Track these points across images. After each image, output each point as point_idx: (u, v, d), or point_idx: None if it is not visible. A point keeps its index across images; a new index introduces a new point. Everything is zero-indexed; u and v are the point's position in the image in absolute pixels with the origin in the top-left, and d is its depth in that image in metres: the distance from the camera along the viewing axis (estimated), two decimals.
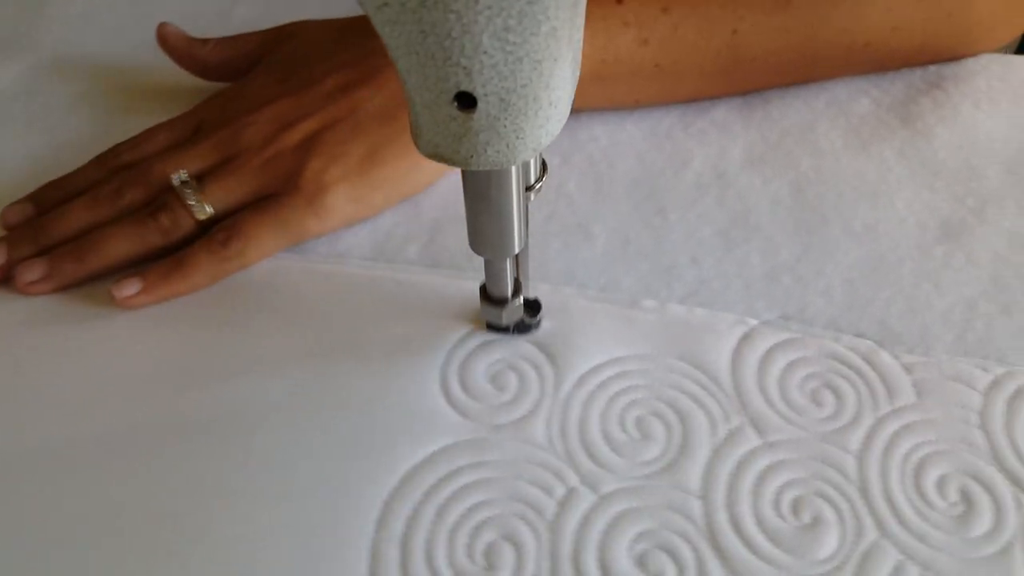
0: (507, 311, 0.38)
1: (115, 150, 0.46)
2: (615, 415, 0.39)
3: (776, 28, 0.49)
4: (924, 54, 0.54)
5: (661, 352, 0.41)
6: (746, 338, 0.41)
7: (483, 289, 0.38)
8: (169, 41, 0.50)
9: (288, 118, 0.43)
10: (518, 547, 0.35)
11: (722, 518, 0.36)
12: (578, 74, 0.27)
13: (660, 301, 0.44)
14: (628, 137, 0.50)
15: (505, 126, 0.25)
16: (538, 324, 0.41)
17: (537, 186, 0.34)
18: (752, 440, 0.38)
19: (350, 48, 0.47)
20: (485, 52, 0.22)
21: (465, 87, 0.23)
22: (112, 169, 0.45)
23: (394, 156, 0.43)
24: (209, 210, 0.42)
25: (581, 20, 0.25)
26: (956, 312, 0.43)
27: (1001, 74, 0.55)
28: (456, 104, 0.24)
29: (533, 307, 0.40)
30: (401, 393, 0.40)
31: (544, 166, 0.34)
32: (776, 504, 0.37)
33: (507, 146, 0.26)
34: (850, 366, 0.41)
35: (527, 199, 0.32)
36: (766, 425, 0.39)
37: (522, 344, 0.41)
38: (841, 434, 0.39)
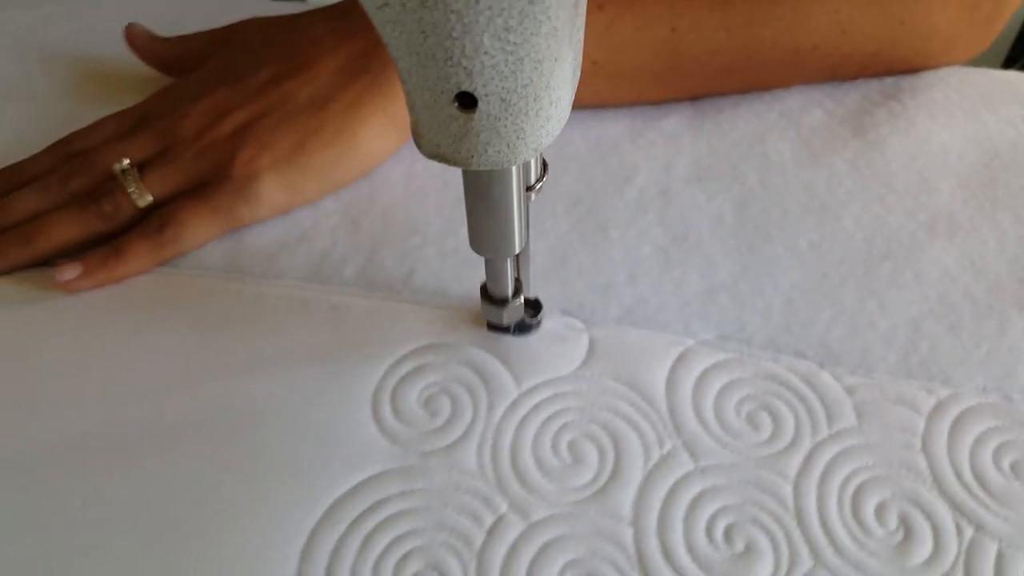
0: (508, 311, 0.38)
1: (66, 140, 0.47)
2: (548, 439, 0.38)
3: (716, 26, 0.48)
4: (880, 62, 0.53)
5: (596, 373, 0.40)
6: (682, 358, 0.41)
7: (484, 289, 0.38)
8: (133, 39, 0.53)
9: (222, 109, 0.45)
10: None
11: (653, 546, 0.35)
12: (579, 74, 0.27)
13: (596, 320, 0.42)
14: (574, 150, 0.50)
15: (506, 126, 0.25)
16: (539, 324, 0.40)
17: (538, 186, 0.34)
18: (686, 465, 0.37)
19: (284, 42, 0.49)
20: (486, 52, 0.22)
21: (466, 87, 0.23)
22: (62, 157, 0.46)
23: (323, 144, 0.45)
24: (148, 197, 0.44)
25: (582, 20, 0.25)
26: (900, 332, 0.42)
27: (958, 86, 0.54)
28: (457, 104, 0.24)
29: (534, 307, 0.40)
30: (331, 420, 0.39)
31: (545, 166, 0.34)
32: (709, 532, 0.36)
33: (508, 146, 0.26)
34: (789, 388, 0.40)
35: (528, 199, 0.32)
36: (700, 449, 0.38)
37: (458, 368, 0.40)
38: (778, 459, 0.38)
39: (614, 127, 0.51)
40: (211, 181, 0.44)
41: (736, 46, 0.49)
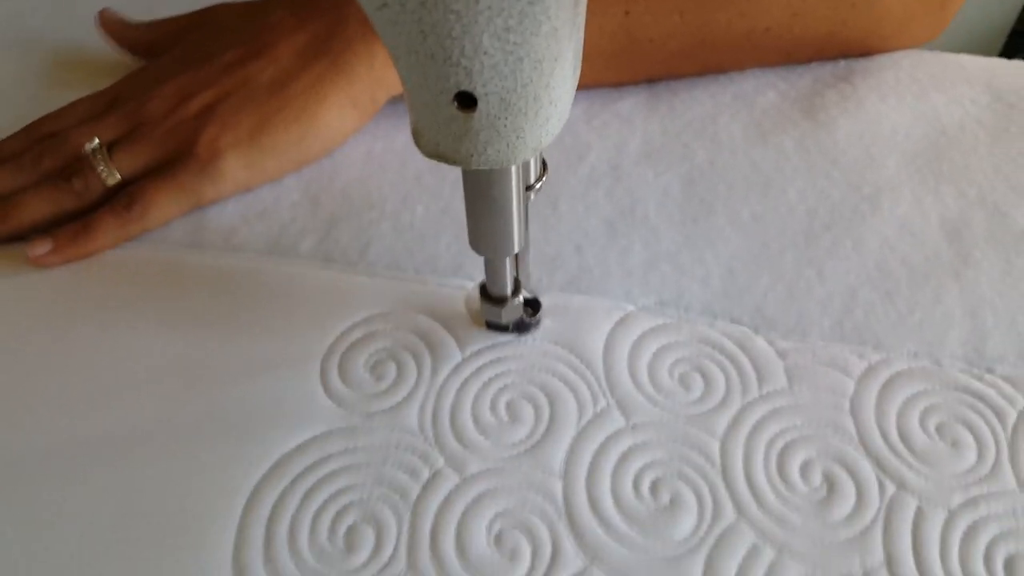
0: (507, 310, 0.38)
1: (39, 121, 0.49)
2: (487, 400, 0.40)
3: (669, 10, 0.49)
4: (832, 45, 0.55)
5: (539, 338, 0.42)
6: (621, 323, 0.42)
7: (483, 288, 0.38)
8: (106, 24, 0.55)
9: (187, 91, 0.47)
10: (379, 528, 0.36)
11: (581, 498, 0.37)
12: (578, 74, 0.27)
13: (542, 289, 0.44)
14: None
15: (505, 126, 0.25)
16: (538, 322, 0.41)
17: (537, 185, 0.34)
18: (617, 422, 0.39)
19: (248, 26, 0.51)
20: (485, 52, 0.22)
21: (465, 87, 0.24)
22: (35, 138, 0.48)
23: (283, 125, 0.46)
24: (117, 176, 0.46)
25: (582, 20, 0.25)
26: (836, 299, 0.43)
27: (911, 69, 0.56)
28: (456, 104, 0.24)
29: (533, 305, 0.41)
30: (281, 383, 0.40)
31: (544, 165, 0.35)
32: (636, 485, 0.37)
33: (507, 146, 0.26)
34: (722, 351, 0.41)
35: (527, 198, 0.32)
36: (633, 407, 0.39)
37: (406, 335, 0.42)
38: (707, 417, 0.39)
39: (572, 109, 0.52)
40: (176, 160, 0.45)
41: (690, 29, 0.50)
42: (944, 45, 0.57)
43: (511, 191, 0.30)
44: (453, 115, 0.25)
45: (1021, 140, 0.51)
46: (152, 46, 0.53)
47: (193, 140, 0.45)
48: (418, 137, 0.27)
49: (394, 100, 0.51)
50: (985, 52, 1.03)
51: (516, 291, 0.38)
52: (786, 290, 0.43)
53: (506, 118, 0.25)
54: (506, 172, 0.29)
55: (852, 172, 0.49)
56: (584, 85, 0.53)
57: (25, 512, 0.36)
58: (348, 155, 0.50)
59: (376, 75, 0.48)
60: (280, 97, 0.46)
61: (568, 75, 0.25)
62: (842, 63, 0.56)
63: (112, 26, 0.56)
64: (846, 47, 0.55)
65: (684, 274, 0.44)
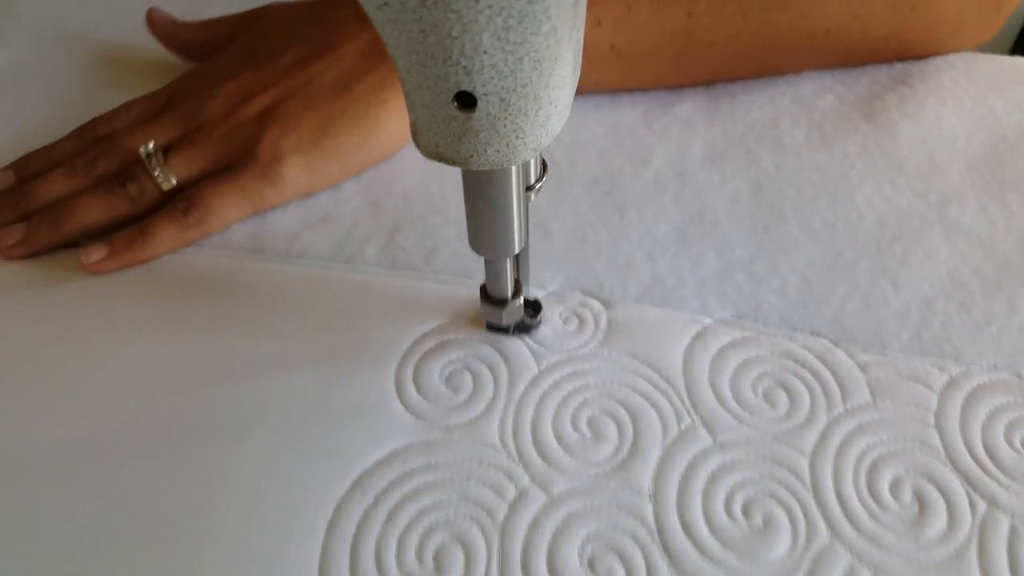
0: (507, 311, 0.38)
1: (92, 123, 0.48)
2: (568, 414, 0.39)
3: (732, 11, 0.49)
4: (890, 48, 0.54)
5: (615, 351, 0.41)
6: (699, 336, 0.41)
7: (483, 289, 0.38)
8: (155, 24, 0.54)
9: (247, 91, 0.46)
10: (467, 549, 0.35)
11: (672, 519, 0.36)
12: (578, 73, 0.27)
13: (615, 300, 0.43)
14: (590, 135, 0.50)
15: (505, 126, 0.25)
16: (539, 324, 0.40)
17: (537, 186, 0.34)
18: (704, 440, 0.38)
19: (309, 25, 0.50)
20: (485, 52, 0.22)
21: (465, 87, 0.23)
22: (89, 140, 0.47)
23: (346, 127, 0.45)
24: (173, 180, 0.45)
25: (582, 19, 0.25)
26: (912, 310, 0.42)
27: (967, 72, 0.55)
28: (456, 104, 0.24)
29: (534, 307, 0.40)
30: (356, 396, 0.40)
31: (544, 166, 0.34)
32: (727, 505, 0.36)
33: (507, 146, 0.26)
34: (804, 365, 0.40)
35: (527, 199, 0.32)
36: (718, 425, 0.39)
37: (478, 345, 0.41)
38: (794, 434, 0.38)
39: (630, 113, 0.52)
40: (236, 163, 0.44)
41: (751, 31, 0.50)
42: None
43: (511, 192, 0.30)
44: (453, 115, 0.24)
45: None
46: (203, 47, 0.52)
47: (254, 143, 0.44)
48: (417, 137, 0.27)
49: None
50: (996, 49, 1.03)
51: (516, 292, 0.38)
52: (863, 301, 0.43)
53: (506, 118, 0.24)
54: (506, 172, 0.29)
55: (917, 179, 0.48)
56: (643, 86, 0.52)
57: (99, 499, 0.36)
58: (407, 159, 0.49)
59: None
60: (343, 99, 0.45)
61: (568, 75, 0.25)
62: (898, 66, 0.55)
63: (161, 26, 0.55)
64: (902, 50, 0.54)
65: (760, 284, 0.43)
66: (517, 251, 0.33)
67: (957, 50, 0.56)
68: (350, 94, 0.44)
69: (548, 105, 0.25)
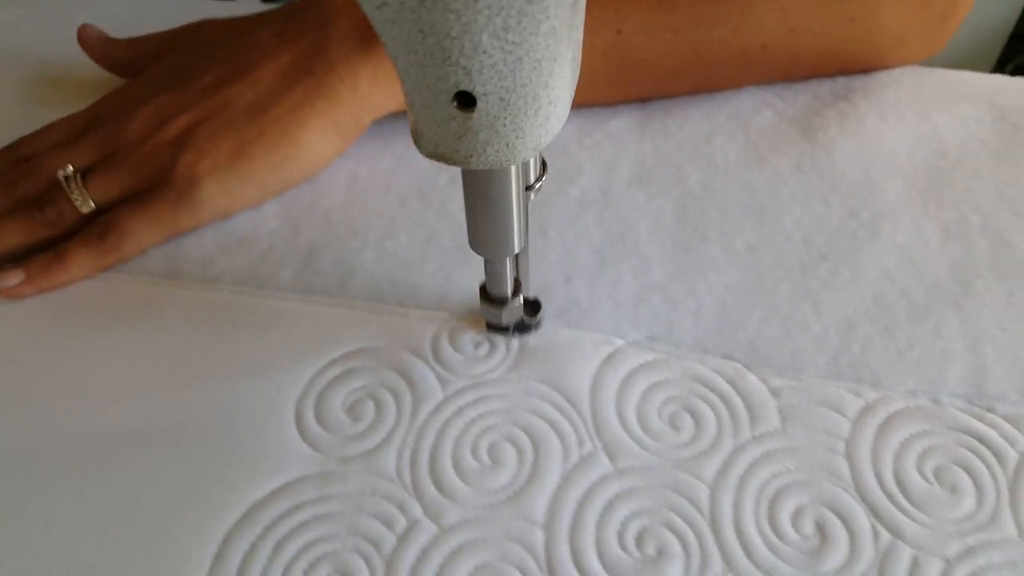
0: (507, 311, 0.38)
1: (16, 144, 0.47)
2: (468, 442, 0.38)
3: (662, 28, 0.48)
4: (831, 62, 0.53)
5: (524, 375, 0.40)
6: (609, 359, 0.41)
7: (483, 289, 0.38)
8: (86, 40, 0.53)
9: (165, 114, 0.45)
10: None
11: (563, 550, 0.35)
12: (578, 73, 0.27)
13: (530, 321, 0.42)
14: None
15: (505, 125, 0.25)
16: (538, 324, 0.40)
17: (537, 186, 0.33)
18: (604, 466, 0.37)
19: (229, 46, 0.49)
20: (484, 52, 0.22)
21: (465, 87, 0.23)
22: (9, 162, 0.46)
23: (263, 151, 0.45)
24: (92, 204, 0.44)
25: (581, 19, 0.25)
26: (832, 334, 0.41)
27: (912, 87, 0.54)
28: (456, 104, 0.24)
29: (533, 307, 0.40)
30: (256, 425, 0.39)
31: (544, 165, 0.34)
32: (621, 536, 0.36)
33: (507, 145, 0.26)
34: (714, 389, 0.40)
35: (527, 199, 0.32)
36: (620, 451, 0.38)
37: (384, 372, 0.41)
38: (697, 461, 0.38)
39: (564, 128, 0.51)
40: (153, 187, 0.44)
41: (684, 47, 0.49)
42: (943, 51, 0.56)
43: (511, 191, 0.30)
44: (452, 115, 0.25)
45: None
46: (133, 63, 0.52)
47: (170, 167, 0.44)
48: (417, 137, 0.27)
49: (378, 122, 0.49)
50: (985, 56, 1.01)
51: (516, 292, 0.37)
52: (781, 325, 0.42)
53: (505, 118, 0.25)
54: (506, 172, 0.29)
55: (850, 197, 0.47)
56: (577, 104, 0.51)
57: None
58: (331, 179, 0.49)
59: (360, 97, 0.46)
60: (260, 121, 0.45)
61: (567, 75, 0.25)
62: (841, 81, 0.54)
63: (92, 42, 0.55)
64: (844, 64, 0.53)
65: (675, 307, 0.42)
66: (517, 251, 0.33)
67: (904, 63, 0.55)
68: (267, 116, 0.44)
69: (547, 105, 0.25)
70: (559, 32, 0.23)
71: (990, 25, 1.22)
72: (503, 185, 0.30)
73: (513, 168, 0.29)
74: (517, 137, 0.25)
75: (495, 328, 0.40)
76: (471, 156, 0.26)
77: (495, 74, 0.23)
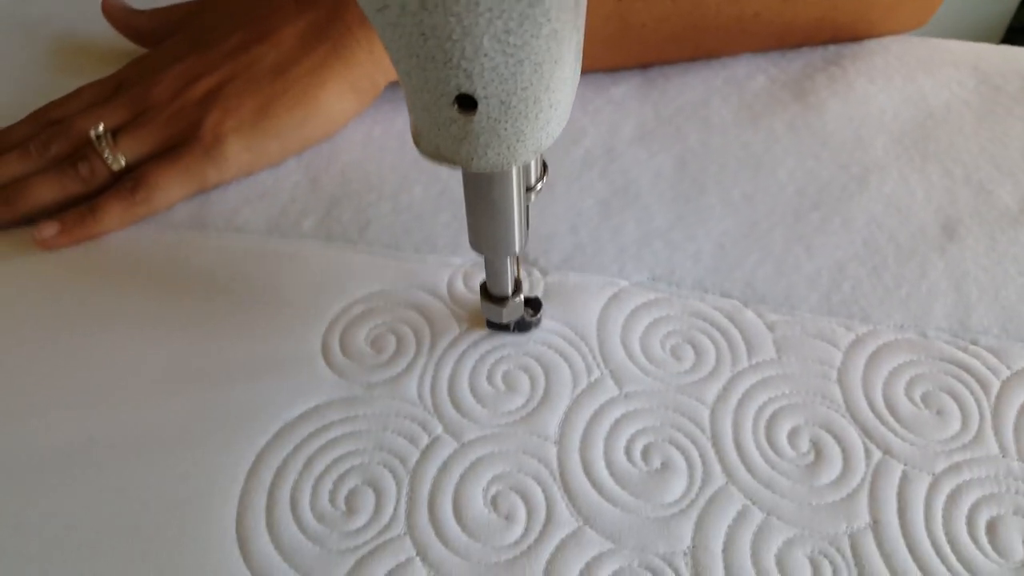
0: (507, 309, 0.39)
1: (46, 108, 0.50)
2: (484, 371, 0.41)
3: None
4: (823, 30, 0.56)
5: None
6: (614, 298, 0.43)
7: (483, 287, 0.38)
8: (110, 10, 0.56)
9: (191, 76, 0.48)
10: (378, 492, 0.37)
11: (574, 461, 0.38)
12: (578, 76, 0.27)
13: (539, 267, 0.45)
14: None
15: (506, 128, 0.25)
16: (539, 322, 0.41)
17: (538, 186, 0.35)
18: (611, 391, 0.40)
19: (251, 11, 0.52)
20: (486, 55, 0.22)
21: (466, 89, 0.24)
22: (42, 124, 0.49)
23: (285, 108, 0.48)
24: (123, 161, 0.47)
25: (582, 22, 0.25)
26: (824, 274, 0.44)
27: (899, 53, 0.57)
28: (457, 106, 0.25)
29: (534, 305, 0.41)
30: (283, 356, 0.41)
31: (544, 166, 0.35)
32: (627, 450, 0.38)
33: (508, 148, 0.26)
34: (713, 324, 0.42)
35: (528, 199, 0.33)
36: (626, 377, 0.40)
37: (404, 311, 0.43)
38: (698, 387, 0.40)
39: None
40: (181, 144, 0.46)
41: (681, 13, 0.52)
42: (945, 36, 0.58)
43: (512, 193, 0.30)
44: (453, 117, 0.25)
45: (1006, 120, 0.52)
46: (156, 33, 0.55)
47: (197, 124, 0.46)
48: (418, 139, 0.27)
49: (394, 85, 0.52)
50: (987, 39, 1.04)
51: (517, 290, 0.38)
52: (775, 266, 0.44)
53: (506, 120, 0.25)
54: (506, 174, 0.29)
55: (841, 152, 0.50)
56: (581, 70, 0.54)
57: (27, 509, 0.37)
58: (348, 138, 0.52)
59: (376, 59, 0.49)
60: (282, 81, 0.48)
61: (568, 77, 0.26)
62: (832, 48, 0.57)
63: (115, 13, 0.58)
64: (836, 32, 0.56)
65: (676, 250, 0.45)
66: (517, 250, 0.33)
67: (894, 33, 0.57)
68: (289, 76, 0.46)
69: (548, 108, 0.25)
70: (560, 35, 0.23)
71: (987, 18, 1.25)
72: (504, 187, 0.30)
73: (514, 170, 0.29)
74: (518, 140, 0.26)
75: (496, 326, 0.41)
76: (472, 158, 0.26)
77: (496, 77, 0.23)
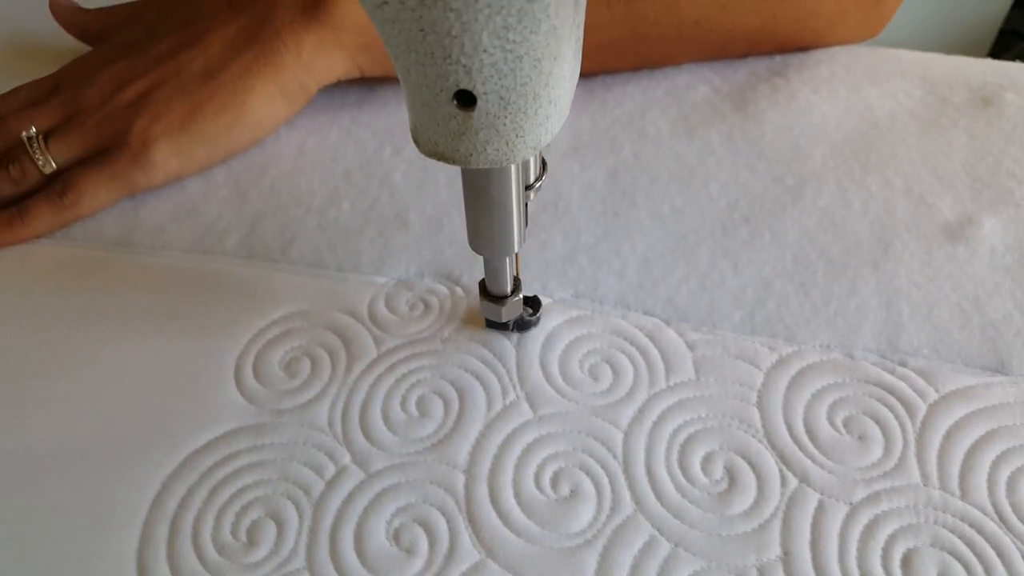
0: (506, 308, 0.38)
1: None
2: (398, 395, 0.40)
3: (597, 1, 0.50)
4: (765, 40, 0.55)
5: (453, 333, 0.42)
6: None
7: (482, 286, 0.38)
8: (57, 9, 0.56)
9: (123, 79, 0.48)
10: (280, 524, 0.36)
11: (482, 490, 0.37)
12: (578, 72, 0.27)
13: (461, 284, 0.45)
14: None
15: (505, 124, 0.25)
16: (538, 321, 0.41)
17: (537, 185, 0.34)
18: (525, 414, 0.39)
19: (184, 15, 0.52)
20: (485, 50, 0.22)
21: (465, 85, 0.23)
22: None
23: (212, 114, 0.47)
24: (53, 164, 0.46)
25: (582, 18, 0.25)
26: (749, 291, 0.43)
27: (847, 63, 0.56)
28: (456, 102, 0.24)
29: (533, 304, 0.41)
30: (196, 380, 0.41)
31: (544, 164, 0.35)
32: (537, 477, 0.37)
33: (507, 144, 0.26)
34: (633, 342, 0.41)
35: (527, 197, 0.32)
36: (541, 400, 0.39)
37: (321, 332, 0.42)
38: (613, 408, 0.39)
39: None
40: (110, 149, 0.46)
41: (618, 21, 0.51)
42: (933, 44, 0.57)
43: (511, 190, 0.30)
44: (452, 114, 0.25)
45: (950, 132, 0.51)
46: (101, 33, 0.56)
47: (125, 129, 0.46)
48: (416, 136, 0.27)
49: (327, 93, 0.51)
50: (974, 52, 1.02)
51: (516, 289, 0.38)
52: (699, 282, 0.43)
53: (505, 117, 0.25)
54: (505, 171, 0.29)
55: (777, 164, 0.49)
56: None
57: None
58: (280, 150, 0.51)
59: (304, 63, 0.49)
60: (210, 86, 0.48)
61: (567, 74, 0.26)
62: (778, 58, 0.56)
63: (62, 11, 0.58)
64: (780, 42, 0.55)
65: (601, 266, 0.44)
66: (516, 249, 0.33)
67: (839, 44, 0.56)
68: (216, 81, 0.46)
69: (548, 104, 0.25)
70: (560, 31, 0.23)
71: (979, 21, 1.23)
72: (503, 184, 0.30)
73: (513, 167, 0.29)
74: (517, 136, 0.26)
75: (495, 325, 0.41)
76: (471, 155, 0.26)
77: (495, 73, 0.23)
